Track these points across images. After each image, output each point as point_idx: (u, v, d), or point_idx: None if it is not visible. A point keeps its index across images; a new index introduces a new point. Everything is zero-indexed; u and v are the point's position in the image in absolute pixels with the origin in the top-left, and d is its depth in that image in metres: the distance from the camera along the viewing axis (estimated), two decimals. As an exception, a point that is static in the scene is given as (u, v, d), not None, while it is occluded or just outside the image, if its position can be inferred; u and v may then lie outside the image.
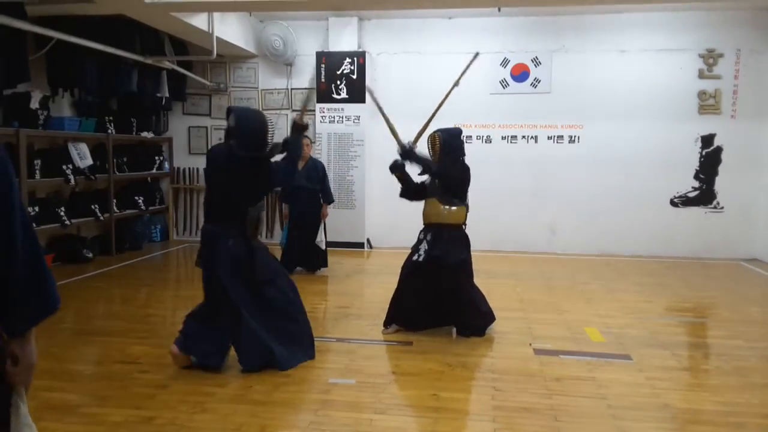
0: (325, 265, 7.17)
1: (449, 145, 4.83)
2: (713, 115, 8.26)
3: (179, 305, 5.78)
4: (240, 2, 6.47)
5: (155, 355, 4.30)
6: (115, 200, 8.14)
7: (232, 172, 3.88)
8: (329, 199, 7.17)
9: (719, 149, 8.29)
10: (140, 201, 8.71)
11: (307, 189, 6.88)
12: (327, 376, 3.91)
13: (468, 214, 4.88)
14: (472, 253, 4.91)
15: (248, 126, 3.93)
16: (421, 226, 5.01)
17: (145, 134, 8.77)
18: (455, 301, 4.73)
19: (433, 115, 5.07)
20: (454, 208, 4.79)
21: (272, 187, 4.53)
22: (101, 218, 7.80)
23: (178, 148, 9.44)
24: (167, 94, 8.64)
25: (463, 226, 4.88)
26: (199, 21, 7.26)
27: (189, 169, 9.43)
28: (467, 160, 4.99)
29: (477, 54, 5.25)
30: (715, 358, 4.41)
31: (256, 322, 3.96)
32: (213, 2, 6.53)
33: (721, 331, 5.09)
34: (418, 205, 5.12)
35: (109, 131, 8.04)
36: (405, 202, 9.34)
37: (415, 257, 4.83)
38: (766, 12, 7.99)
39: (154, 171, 9.11)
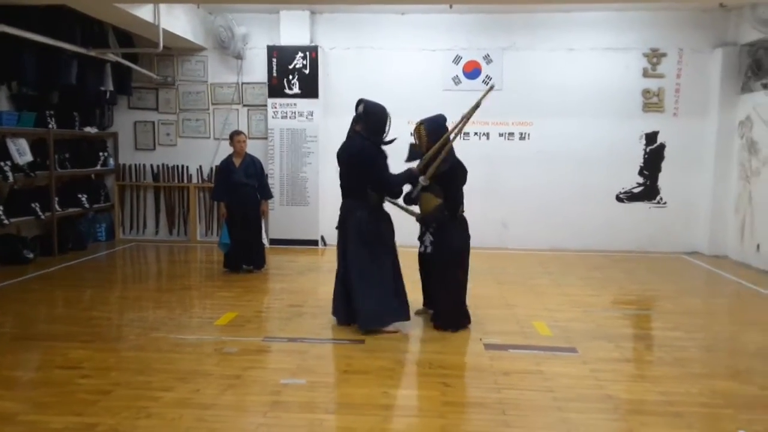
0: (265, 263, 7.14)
1: (436, 133, 4.84)
2: (657, 112, 8.54)
3: (125, 307, 5.62)
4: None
5: (98, 359, 4.16)
6: (56, 198, 7.82)
7: (353, 157, 4.77)
8: (267, 195, 7.17)
9: (662, 146, 8.58)
10: (84, 199, 8.41)
11: (246, 186, 6.85)
12: (278, 377, 3.86)
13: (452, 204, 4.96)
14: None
15: (374, 113, 4.78)
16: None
17: (88, 129, 8.46)
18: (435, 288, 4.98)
19: (452, 137, 4.92)
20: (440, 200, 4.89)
21: (384, 182, 4.85)
22: (42, 217, 7.49)
23: (124, 144, 9.14)
24: (111, 88, 8.35)
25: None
26: (145, 12, 7.04)
27: (136, 165, 9.14)
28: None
29: (492, 86, 5.35)
30: (657, 350, 4.57)
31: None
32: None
33: (663, 323, 5.28)
34: None
35: (50, 126, 7.71)
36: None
37: (420, 249, 5.01)
38: (706, 13, 8.30)
39: (99, 167, 8.80)
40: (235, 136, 6.97)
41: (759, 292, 6.40)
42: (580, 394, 3.65)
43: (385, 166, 4.85)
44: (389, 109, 4.92)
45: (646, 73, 8.52)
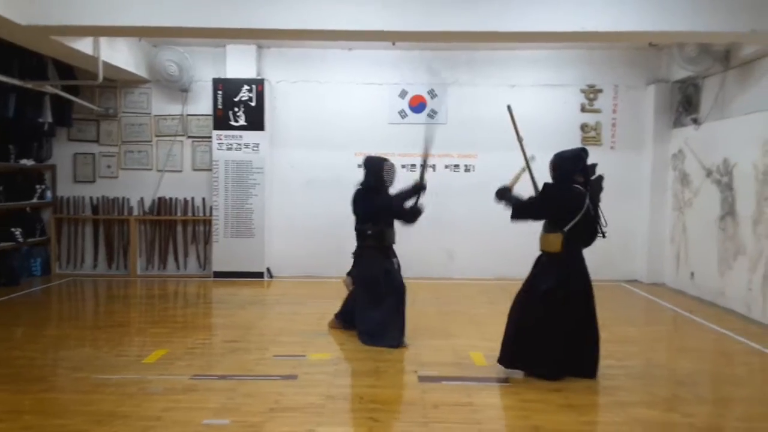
0: None
1: (558, 168, 4.66)
2: (595, 146, 8.80)
3: (51, 345, 5.39)
4: (124, 27, 6.22)
5: (12, 402, 3.97)
6: (-13, 232, 7.54)
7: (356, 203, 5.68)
8: None
9: (601, 178, 8.71)
10: (17, 233, 8.11)
11: None
12: (200, 418, 3.73)
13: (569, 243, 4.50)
14: None
15: (367, 167, 5.65)
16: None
17: (24, 161, 8.20)
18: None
19: (527, 163, 4.89)
20: (550, 234, 4.58)
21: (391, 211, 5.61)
22: (-29, 252, 7.19)
23: (63, 176, 8.90)
24: (50, 120, 8.16)
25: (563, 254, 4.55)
26: (84, 45, 6.94)
27: (74, 197, 8.89)
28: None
29: (509, 107, 5.15)
30: (586, 378, 4.60)
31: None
32: (97, 27, 6.24)
33: (596, 352, 5.35)
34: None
35: (-17, 158, 7.47)
36: (308, 230, 9.28)
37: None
38: (639, 51, 8.69)
39: (35, 200, 8.53)
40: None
41: (692, 320, 6.58)
42: (506, 425, 3.67)
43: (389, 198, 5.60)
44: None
45: (583, 109, 8.83)
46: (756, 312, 6.43)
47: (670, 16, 5.89)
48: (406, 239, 8.80)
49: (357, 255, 5.72)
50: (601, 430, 3.61)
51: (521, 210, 4.70)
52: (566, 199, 4.49)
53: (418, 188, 5.64)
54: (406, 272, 8.72)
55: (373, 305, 5.41)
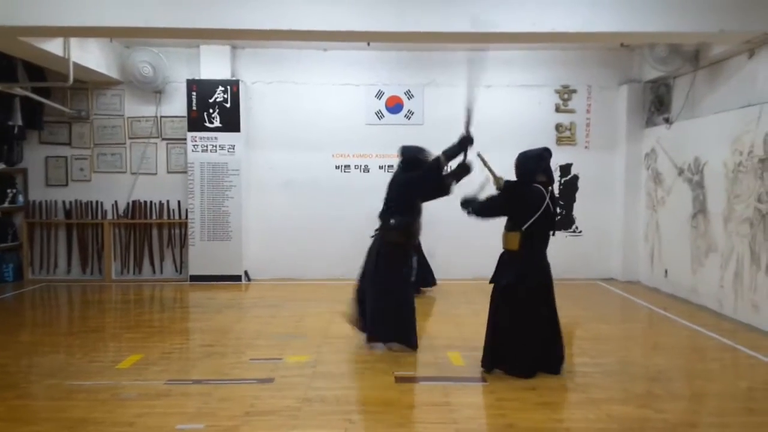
0: None
1: (521, 167, 4.70)
2: (569, 146, 8.92)
3: (23, 352, 5.29)
4: (95, 28, 6.12)
5: (-24, 411, 3.87)
6: (-44, 238, 7.36)
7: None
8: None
9: (576, 177, 8.95)
10: (-12, 238, 7.95)
11: None
12: (175, 422, 3.69)
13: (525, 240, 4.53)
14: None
15: (403, 154, 5.55)
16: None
17: (-6, 165, 8.06)
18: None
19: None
20: (509, 233, 4.63)
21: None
22: (-62, 258, 7.02)
23: (34, 180, 8.73)
24: (20, 122, 8.01)
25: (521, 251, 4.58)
26: (54, 46, 6.82)
27: (47, 201, 8.73)
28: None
29: (480, 154, 4.96)
30: (561, 376, 4.63)
31: None
32: (67, 27, 6.13)
33: (571, 350, 5.38)
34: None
35: (-49, 162, 7.30)
36: (287, 232, 9.25)
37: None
38: (611, 52, 8.80)
39: (6, 204, 8.37)
40: None
41: (666, 317, 6.68)
42: (481, 424, 3.68)
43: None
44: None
45: (558, 109, 8.92)
46: (728, 308, 6.56)
47: (640, 16, 5.98)
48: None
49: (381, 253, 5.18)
50: (575, 427, 3.64)
51: (485, 209, 4.77)
52: (526, 198, 4.55)
53: (465, 141, 5.12)
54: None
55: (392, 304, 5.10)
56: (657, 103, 8.47)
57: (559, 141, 8.86)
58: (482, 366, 4.65)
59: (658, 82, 8.39)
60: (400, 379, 4.48)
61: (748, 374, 4.81)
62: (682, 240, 7.53)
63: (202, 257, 8.50)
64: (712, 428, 3.71)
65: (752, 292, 6.14)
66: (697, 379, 4.71)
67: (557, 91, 8.91)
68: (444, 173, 5.17)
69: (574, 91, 8.92)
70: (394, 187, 5.32)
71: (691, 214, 7.37)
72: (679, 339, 5.89)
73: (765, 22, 5.92)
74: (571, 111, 8.92)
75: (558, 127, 8.91)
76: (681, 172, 7.66)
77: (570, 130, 8.93)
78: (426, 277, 7.76)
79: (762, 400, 4.29)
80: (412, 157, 5.42)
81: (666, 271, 8.00)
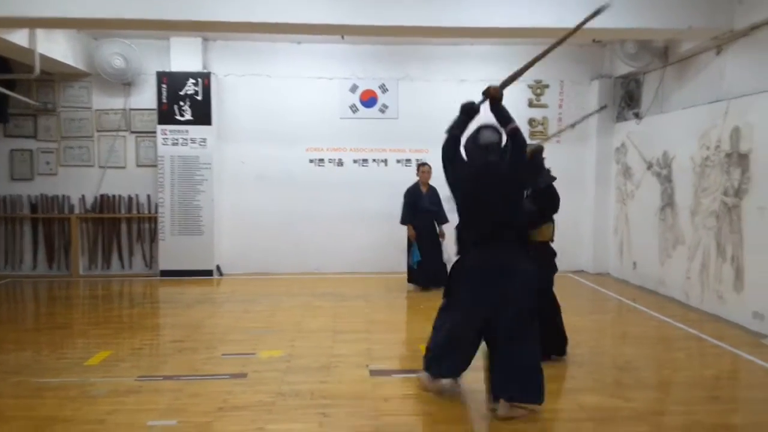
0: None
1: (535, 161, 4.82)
2: (542, 140, 9.00)
3: (-15, 350, 5.14)
4: (62, 19, 5.96)
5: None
6: None
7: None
8: (445, 220, 7.65)
9: (548, 171, 9.01)
10: (-51, 233, 7.71)
11: (429, 212, 7.63)
12: (146, 419, 3.63)
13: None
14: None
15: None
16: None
17: (-45, 158, 7.81)
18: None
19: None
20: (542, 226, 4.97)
21: None
22: None
23: (-1, 174, 8.52)
24: (-17, 114, 7.78)
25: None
26: (19, 38, 6.64)
27: (11, 196, 8.50)
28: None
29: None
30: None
31: None
32: (32, 18, 5.97)
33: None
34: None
35: None
36: (260, 226, 9.20)
37: None
38: (583, 48, 8.91)
39: (-31, 199, 8.13)
40: (421, 167, 7.79)
41: (635, 308, 6.82)
42: (455, 414, 3.70)
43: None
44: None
45: (531, 104, 9.00)
46: (694, 299, 6.72)
47: (611, 12, 6.03)
48: (359, 235, 8.86)
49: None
50: (546, 417, 3.69)
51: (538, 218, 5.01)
52: (554, 188, 5.09)
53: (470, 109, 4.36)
54: (360, 267, 8.80)
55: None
56: (627, 99, 8.61)
57: (532, 136, 8.93)
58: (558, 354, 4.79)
59: (629, 77, 8.53)
60: (374, 372, 4.49)
61: (714, 363, 4.93)
62: (651, 233, 7.68)
63: (172, 252, 8.37)
64: (679, 416, 3.79)
65: (718, 284, 6.30)
66: (665, 368, 4.81)
67: (530, 86, 8.99)
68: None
69: (547, 86, 9.02)
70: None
71: (659, 207, 7.52)
72: (647, 329, 6.01)
73: (732, 19, 6.07)
74: (544, 106, 9.02)
75: (531, 121, 8.99)
76: (650, 166, 7.80)
77: (542, 124, 9.02)
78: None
79: (726, 388, 4.41)
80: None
81: (635, 264, 8.15)
